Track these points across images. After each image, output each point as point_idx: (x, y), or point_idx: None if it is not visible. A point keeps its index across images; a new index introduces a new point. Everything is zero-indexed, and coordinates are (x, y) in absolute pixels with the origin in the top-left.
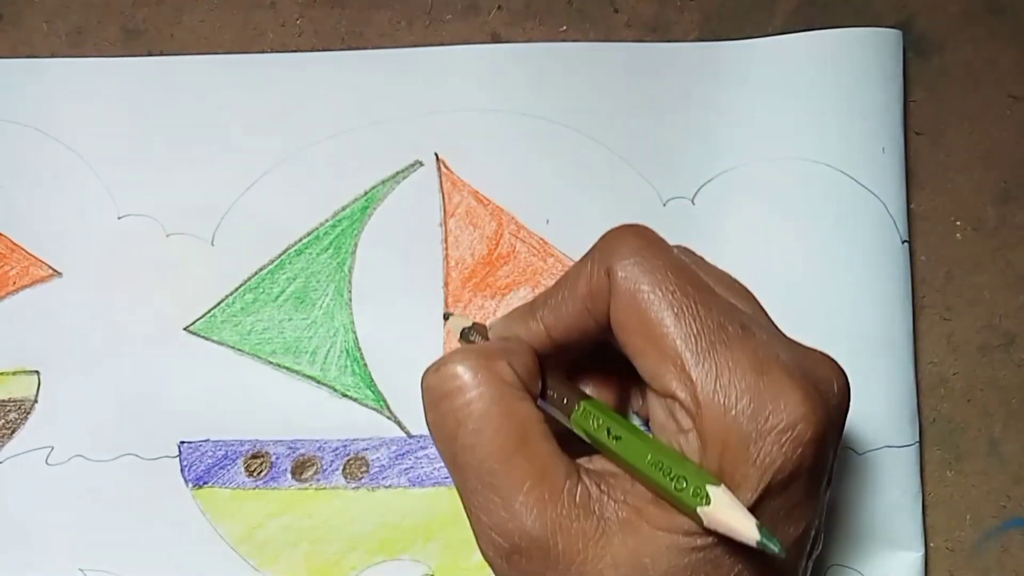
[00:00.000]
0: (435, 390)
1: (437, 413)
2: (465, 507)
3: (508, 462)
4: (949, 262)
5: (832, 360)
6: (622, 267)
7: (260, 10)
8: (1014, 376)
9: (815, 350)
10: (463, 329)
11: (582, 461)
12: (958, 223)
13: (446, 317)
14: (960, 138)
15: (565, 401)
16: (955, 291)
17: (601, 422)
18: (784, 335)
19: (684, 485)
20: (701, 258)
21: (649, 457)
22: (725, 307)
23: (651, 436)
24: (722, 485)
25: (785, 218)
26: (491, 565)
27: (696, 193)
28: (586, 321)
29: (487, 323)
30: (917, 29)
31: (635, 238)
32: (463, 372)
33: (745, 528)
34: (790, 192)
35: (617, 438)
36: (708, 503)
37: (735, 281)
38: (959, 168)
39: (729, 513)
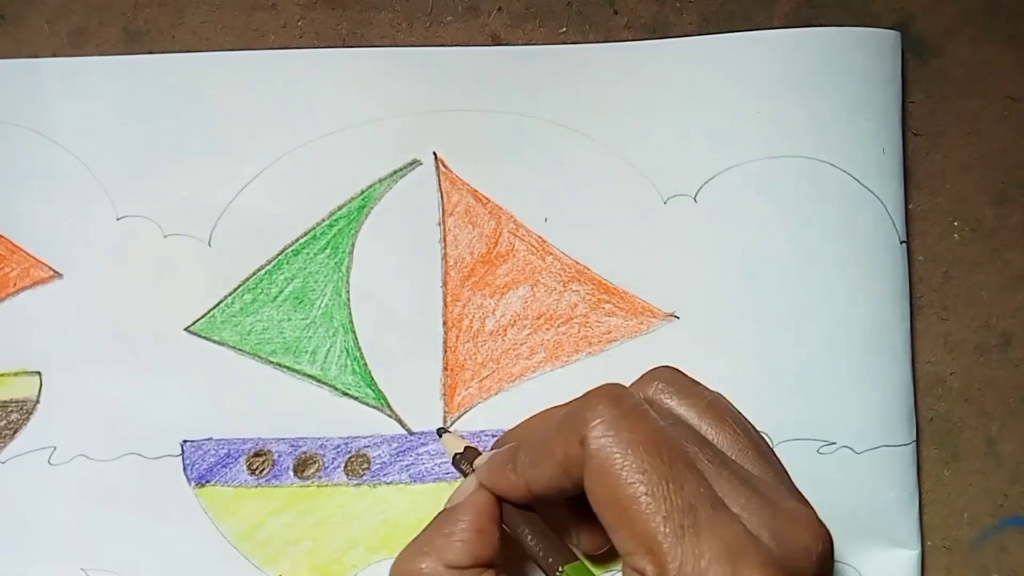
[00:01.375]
0: None
1: None
2: None
3: None
4: (947, 262)
5: (813, 520)
6: (594, 439)
7: (261, 11)
8: (1011, 376)
9: (798, 508)
10: (455, 455)
11: None
12: (956, 223)
13: (440, 433)
14: (958, 139)
15: (550, 560)
16: (953, 291)
17: None
18: (762, 480)
19: None
20: (686, 380)
21: None
22: (697, 484)
23: None
24: None
25: (787, 216)
26: None
27: (699, 191)
28: (564, 482)
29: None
30: (915, 31)
31: (609, 408)
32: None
33: None
34: (792, 190)
35: None
36: None
37: (723, 408)
38: (957, 169)
39: None
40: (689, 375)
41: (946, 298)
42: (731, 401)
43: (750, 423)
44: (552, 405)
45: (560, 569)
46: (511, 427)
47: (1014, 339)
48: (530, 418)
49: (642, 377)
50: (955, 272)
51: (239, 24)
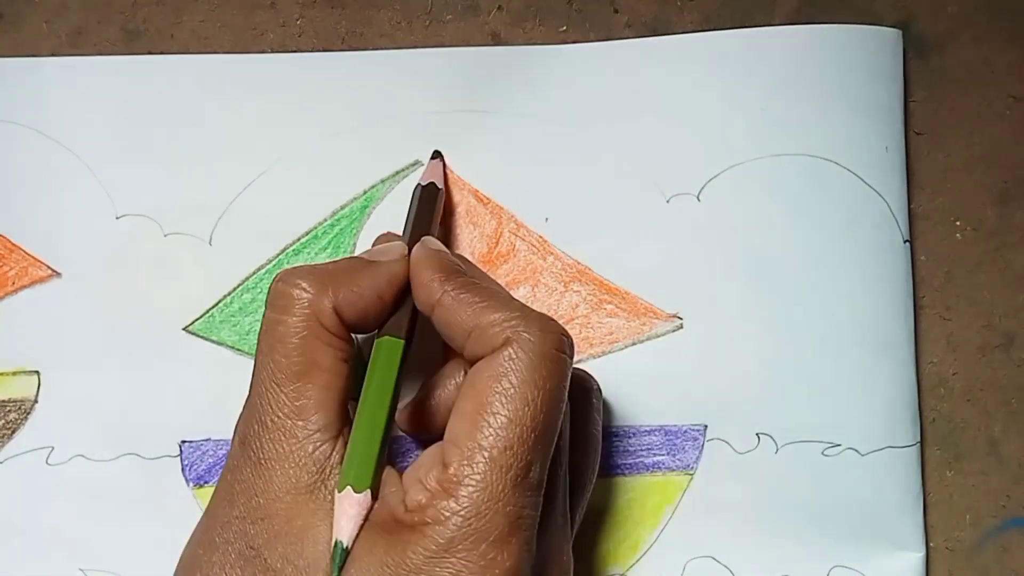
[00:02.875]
0: (270, 295)
1: (265, 312)
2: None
3: (278, 387)
4: (949, 262)
5: None
6: (515, 351)
7: (260, 10)
8: (1014, 376)
9: None
10: (426, 184)
11: None
12: (958, 223)
13: (438, 155)
14: (960, 138)
15: (386, 326)
16: (955, 291)
17: (381, 366)
18: None
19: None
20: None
21: (362, 425)
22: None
23: (386, 424)
24: (358, 495)
25: (791, 215)
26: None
27: (702, 189)
28: (463, 340)
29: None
30: (916, 29)
31: (551, 344)
32: (289, 296)
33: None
34: (796, 188)
35: (368, 387)
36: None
37: (590, 445)
38: (959, 168)
39: (341, 517)
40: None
41: (948, 298)
42: (736, 404)
43: None
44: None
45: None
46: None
47: (1016, 339)
48: (490, 279)
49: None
50: (957, 272)
51: (238, 23)
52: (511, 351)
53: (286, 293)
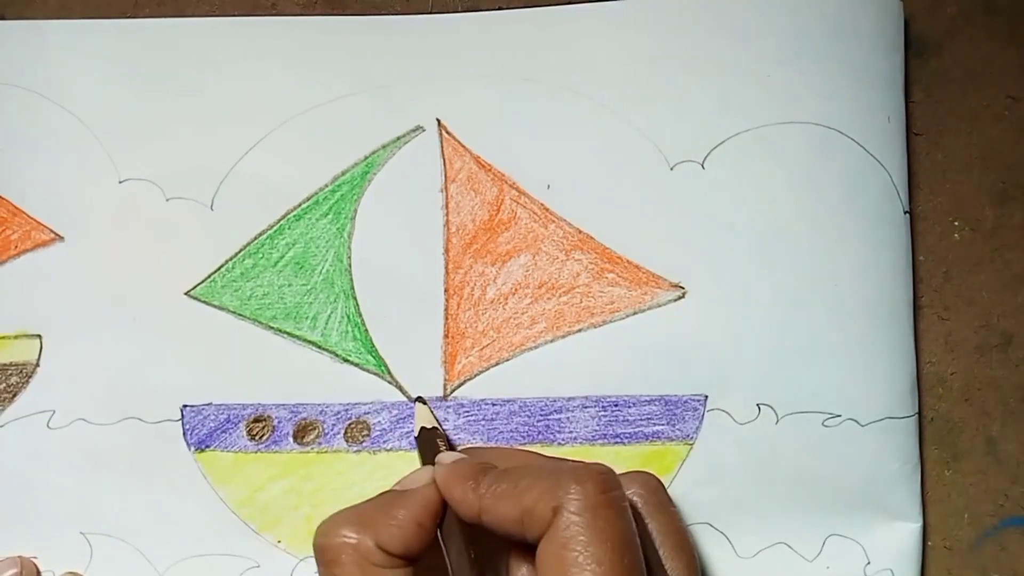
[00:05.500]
0: (316, 552)
1: (320, 569)
2: None
3: None
4: (947, 262)
5: None
6: (568, 514)
7: (261, 12)
8: (1012, 376)
9: None
10: (421, 429)
11: None
12: (956, 223)
13: (419, 401)
14: (958, 139)
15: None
16: (953, 291)
17: None
18: None
19: None
20: (664, 497)
21: None
22: None
23: None
24: None
25: (795, 184)
26: None
27: (707, 156)
28: (517, 529)
29: (459, 448)
30: (915, 30)
31: (594, 490)
32: (334, 548)
33: None
34: (801, 157)
35: None
36: None
37: (686, 541)
38: (957, 169)
39: None
40: (668, 493)
41: (946, 298)
42: (737, 374)
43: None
44: (540, 454)
45: None
46: (488, 445)
47: (1014, 339)
48: (514, 450)
49: (628, 474)
50: (956, 272)
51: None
52: (563, 519)
53: (331, 546)
